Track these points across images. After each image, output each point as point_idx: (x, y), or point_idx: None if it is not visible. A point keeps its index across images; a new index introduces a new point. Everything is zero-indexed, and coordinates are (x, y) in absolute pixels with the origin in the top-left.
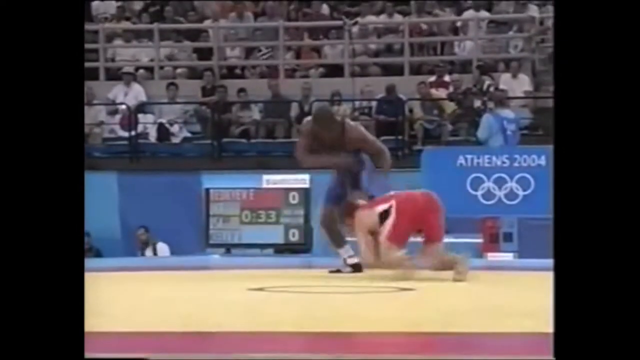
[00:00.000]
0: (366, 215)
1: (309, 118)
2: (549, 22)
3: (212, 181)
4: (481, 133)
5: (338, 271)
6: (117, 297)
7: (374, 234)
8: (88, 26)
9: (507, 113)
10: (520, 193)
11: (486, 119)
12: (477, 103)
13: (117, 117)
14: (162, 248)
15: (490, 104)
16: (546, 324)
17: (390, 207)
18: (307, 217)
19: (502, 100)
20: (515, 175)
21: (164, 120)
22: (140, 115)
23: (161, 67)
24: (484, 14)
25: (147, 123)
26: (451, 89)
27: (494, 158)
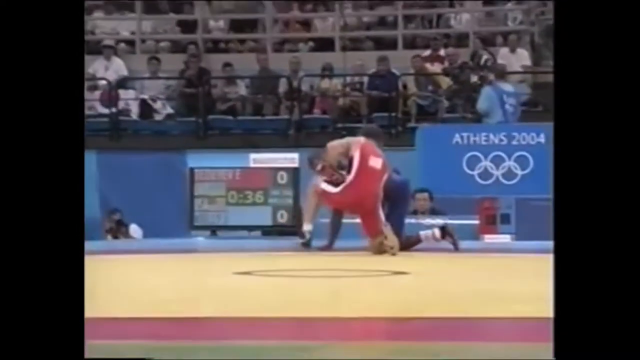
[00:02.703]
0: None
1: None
2: None
3: (197, 160)
4: (481, 104)
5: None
6: (98, 282)
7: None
8: None
9: (507, 87)
10: (519, 172)
11: (486, 91)
12: (474, 78)
13: (97, 92)
14: (135, 230)
15: (491, 76)
16: (545, 309)
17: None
18: (296, 198)
19: (502, 73)
20: (514, 153)
21: (146, 96)
22: (121, 91)
23: (143, 41)
24: None
25: (129, 99)
26: (447, 63)
27: (491, 136)
